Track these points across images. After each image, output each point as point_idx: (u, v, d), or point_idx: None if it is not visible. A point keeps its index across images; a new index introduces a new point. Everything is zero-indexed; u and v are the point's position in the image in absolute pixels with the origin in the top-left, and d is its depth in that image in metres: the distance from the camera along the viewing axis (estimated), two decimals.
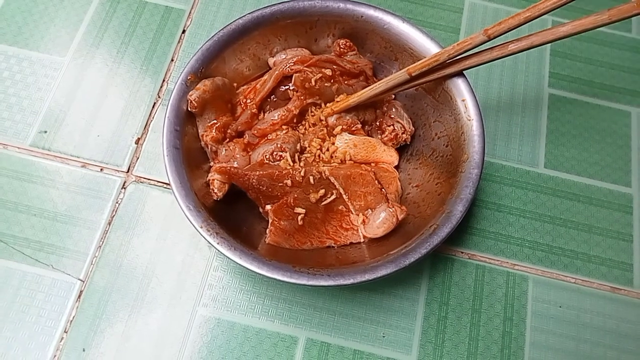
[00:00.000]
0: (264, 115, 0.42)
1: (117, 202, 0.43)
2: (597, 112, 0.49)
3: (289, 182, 0.37)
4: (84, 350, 0.38)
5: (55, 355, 0.38)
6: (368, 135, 0.43)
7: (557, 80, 0.50)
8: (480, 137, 0.38)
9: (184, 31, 0.50)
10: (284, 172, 0.38)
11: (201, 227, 0.35)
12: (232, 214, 0.39)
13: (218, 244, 0.34)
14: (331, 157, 0.41)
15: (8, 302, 0.39)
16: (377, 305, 0.40)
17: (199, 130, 0.40)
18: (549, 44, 0.50)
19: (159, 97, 0.47)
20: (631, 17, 0.33)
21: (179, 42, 0.49)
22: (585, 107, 0.49)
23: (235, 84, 0.43)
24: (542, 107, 0.48)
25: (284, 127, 0.41)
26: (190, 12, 0.51)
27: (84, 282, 0.40)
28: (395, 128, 0.42)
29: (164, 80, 0.48)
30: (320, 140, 0.41)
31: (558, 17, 0.52)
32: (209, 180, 0.38)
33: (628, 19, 0.33)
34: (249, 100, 0.42)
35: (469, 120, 0.38)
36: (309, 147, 0.40)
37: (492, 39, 0.36)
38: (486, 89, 0.49)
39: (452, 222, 0.35)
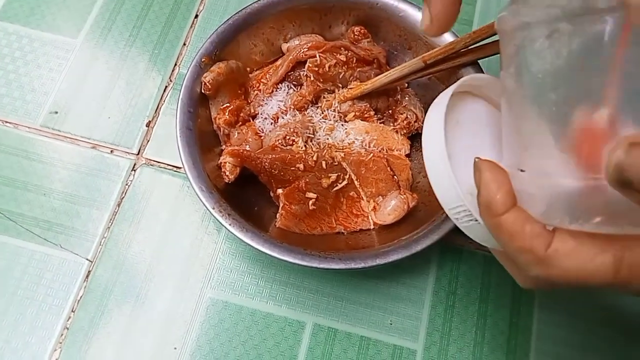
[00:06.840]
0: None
1: (126, 184, 0.43)
2: None
3: (301, 166, 0.37)
4: (90, 331, 0.38)
5: (62, 334, 0.38)
6: (380, 123, 0.43)
7: None
8: None
9: (196, 16, 0.50)
10: (296, 157, 0.38)
11: (213, 209, 0.35)
12: (243, 197, 0.39)
13: (230, 225, 0.34)
14: (343, 143, 0.40)
15: (16, 281, 0.39)
16: (385, 292, 0.40)
17: (212, 113, 0.40)
18: None
19: (171, 80, 0.47)
20: None
21: (191, 26, 0.49)
22: None
23: (248, 69, 0.43)
24: None
25: (297, 112, 0.40)
26: None
27: (92, 262, 0.40)
28: (408, 116, 0.42)
29: (175, 64, 0.48)
30: (332, 126, 0.41)
31: None
32: (221, 163, 0.38)
33: None
34: (262, 85, 0.42)
35: None
36: (321, 132, 0.40)
37: None
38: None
39: None
